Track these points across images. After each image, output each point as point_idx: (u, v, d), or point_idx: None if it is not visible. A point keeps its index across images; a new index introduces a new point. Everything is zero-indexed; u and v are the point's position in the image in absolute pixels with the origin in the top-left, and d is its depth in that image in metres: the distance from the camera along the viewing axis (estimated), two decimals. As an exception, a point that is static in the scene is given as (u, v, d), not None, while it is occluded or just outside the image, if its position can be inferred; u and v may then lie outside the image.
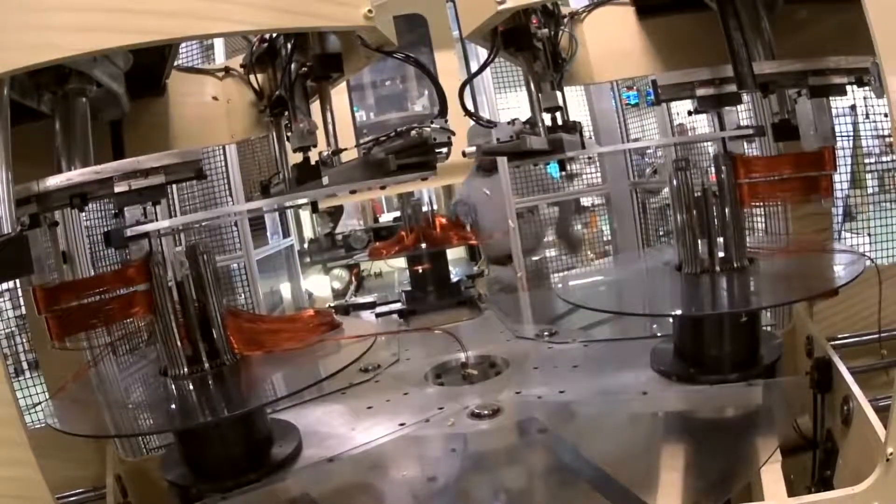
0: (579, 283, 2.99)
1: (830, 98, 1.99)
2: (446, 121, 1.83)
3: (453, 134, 1.84)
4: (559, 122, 2.39)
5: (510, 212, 4.45)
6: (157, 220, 1.83)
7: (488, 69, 4.36)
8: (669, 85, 2.07)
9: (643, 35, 2.65)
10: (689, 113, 2.21)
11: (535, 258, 4.86)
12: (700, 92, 2.05)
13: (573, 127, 2.37)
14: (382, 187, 2.02)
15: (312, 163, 2.12)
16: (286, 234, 5.72)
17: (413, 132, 1.77)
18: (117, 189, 1.78)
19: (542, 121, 2.27)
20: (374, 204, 7.74)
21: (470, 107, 2.35)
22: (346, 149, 2.08)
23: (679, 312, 2.15)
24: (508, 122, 2.23)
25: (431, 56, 5.10)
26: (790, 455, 1.88)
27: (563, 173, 5.12)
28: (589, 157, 5.22)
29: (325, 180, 2.02)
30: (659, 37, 2.63)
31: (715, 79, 2.03)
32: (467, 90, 2.32)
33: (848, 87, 1.92)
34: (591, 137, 5.26)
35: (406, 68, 5.56)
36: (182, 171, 1.85)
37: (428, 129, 1.76)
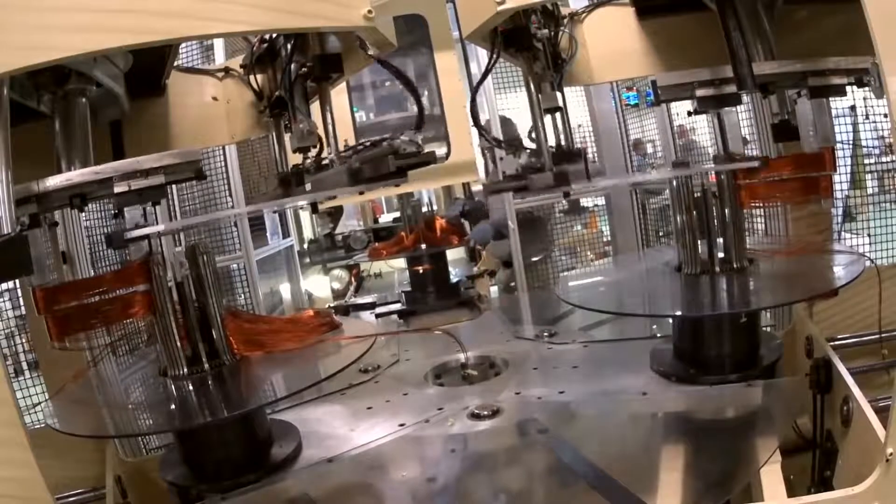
0: (579, 283, 2.99)
1: (830, 99, 1.99)
2: (419, 132, 2.00)
3: (421, 147, 1.97)
4: (563, 145, 2.40)
5: (510, 213, 4.45)
6: (157, 222, 1.82)
7: (488, 70, 4.37)
8: (669, 86, 2.07)
9: (643, 36, 2.65)
10: (689, 113, 2.21)
11: (534, 259, 4.86)
12: (700, 93, 2.05)
13: (578, 154, 2.37)
14: (361, 192, 2.06)
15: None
16: (286, 234, 5.72)
17: (385, 143, 1.92)
18: (117, 189, 1.78)
19: (548, 151, 2.26)
20: (374, 205, 7.75)
21: (475, 113, 2.37)
22: (326, 158, 2.17)
23: (678, 313, 2.15)
24: (514, 154, 2.24)
25: (431, 57, 5.10)
26: (790, 455, 1.88)
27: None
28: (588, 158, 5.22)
29: (308, 187, 2.11)
30: (659, 37, 2.63)
31: (715, 79, 2.02)
32: (466, 98, 2.34)
33: (848, 88, 1.92)
34: (592, 143, 5.27)
35: (406, 69, 5.57)
36: (182, 172, 1.85)
37: (398, 140, 1.92)
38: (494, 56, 2.24)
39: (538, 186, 2.20)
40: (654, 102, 2.33)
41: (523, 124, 3.49)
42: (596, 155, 5.26)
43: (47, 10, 1.36)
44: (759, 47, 2.08)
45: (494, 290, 5.20)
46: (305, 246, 7.05)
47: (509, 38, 2.21)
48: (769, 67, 1.99)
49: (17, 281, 2.65)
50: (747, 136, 3.15)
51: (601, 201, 5.28)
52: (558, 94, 2.33)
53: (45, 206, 1.78)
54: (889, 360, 2.39)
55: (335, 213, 7.32)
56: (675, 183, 2.07)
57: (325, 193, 2.13)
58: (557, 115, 2.43)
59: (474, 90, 2.43)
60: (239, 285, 4.52)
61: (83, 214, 3.32)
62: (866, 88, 1.86)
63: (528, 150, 2.31)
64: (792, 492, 1.52)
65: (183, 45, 3.47)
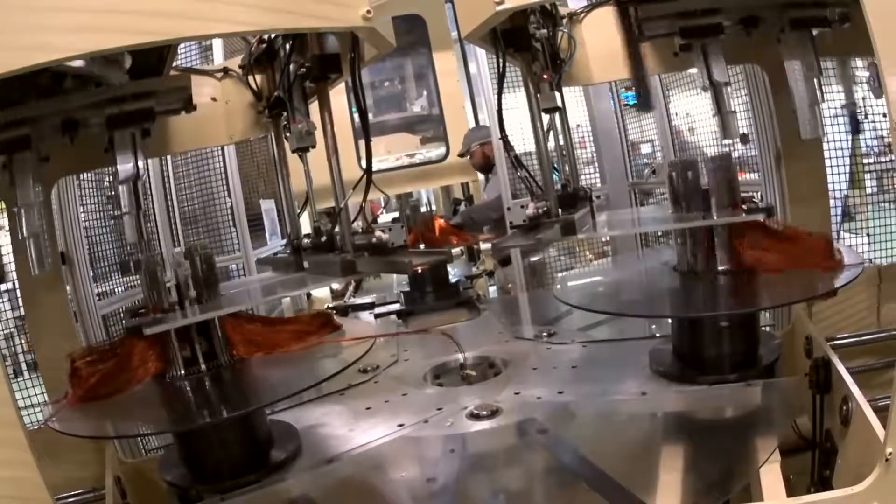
0: (578, 283, 2.99)
1: (828, 98, 2.00)
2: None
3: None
4: (568, 187, 2.42)
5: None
6: (155, 217, 1.83)
7: (487, 69, 4.38)
8: (652, 17, 2.06)
9: (641, 35, 2.64)
10: (677, 52, 2.19)
11: (533, 259, 4.86)
12: (682, 23, 2.04)
13: (585, 195, 2.38)
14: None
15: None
16: (284, 234, 5.72)
17: (374, 239, 2.18)
18: (108, 112, 1.78)
19: (555, 197, 2.26)
20: (373, 205, 7.74)
21: (469, 113, 2.40)
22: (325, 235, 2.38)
23: (677, 314, 2.15)
24: (521, 206, 2.27)
25: (430, 56, 5.12)
26: (789, 455, 1.88)
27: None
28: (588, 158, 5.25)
29: (306, 264, 2.28)
30: (657, 37, 2.62)
31: (697, 10, 2.02)
32: (467, 97, 2.35)
33: (847, 89, 1.93)
34: (590, 143, 5.27)
35: (405, 69, 5.59)
36: (171, 100, 1.85)
37: (385, 235, 2.18)
38: (501, 61, 2.24)
39: (546, 243, 2.23)
40: (638, 38, 2.30)
41: (521, 125, 3.49)
42: (595, 156, 5.28)
43: (47, 10, 1.36)
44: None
45: (492, 290, 5.20)
46: (304, 246, 7.02)
47: (508, 37, 2.21)
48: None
49: (16, 282, 2.65)
50: (748, 134, 3.16)
51: (600, 201, 5.28)
52: (557, 95, 2.33)
53: (38, 132, 1.77)
54: (888, 360, 2.39)
55: (334, 214, 7.30)
56: (673, 182, 2.07)
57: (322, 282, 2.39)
58: (556, 115, 2.44)
59: (500, 118, 2.43)
60: (238, 286, 4.51)
61: (82, 215, 3.33)
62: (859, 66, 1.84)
63: (535, 197, 2.32)
64: (791, 491, 1.52)
65: (182, 45, 3.47)
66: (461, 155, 5.04)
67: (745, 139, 3.21)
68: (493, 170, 4.97)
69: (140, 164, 1.98)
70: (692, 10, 2.03)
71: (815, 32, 2.05)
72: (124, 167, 1.87)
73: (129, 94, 1.86)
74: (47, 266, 2.12)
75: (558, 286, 2.70)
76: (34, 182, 1.96)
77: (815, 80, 2.04)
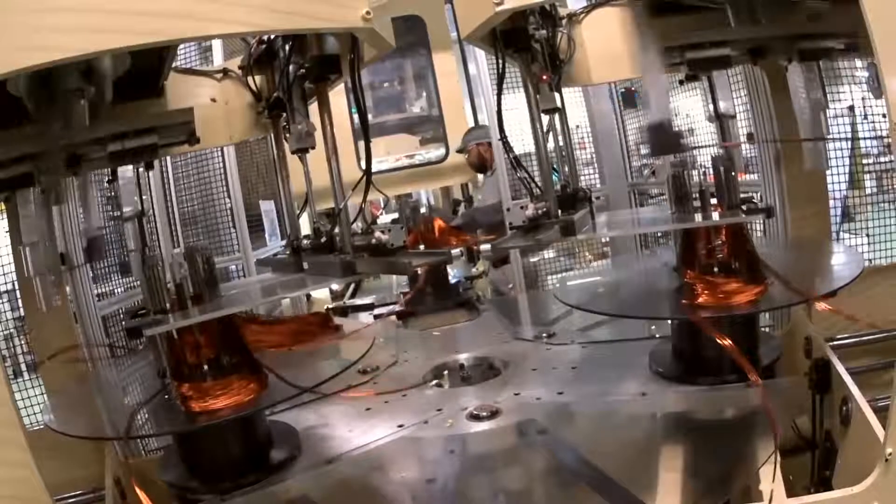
0: (577, 284, 2.99)
1: (829, 99, 2.00)
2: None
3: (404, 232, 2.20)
4: (568, 188, 2.42)
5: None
6: (155, 219, 1.84)
7: (487, 70, 4.38)
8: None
9: (641, 36, 2.64)
10: (681, 82, 2.19)
11: (532, 259, 4.86)
12: (690, 55, 2.05)
13: (585, 196, 2.38)
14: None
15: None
16: (284, 235, 5.71)
17: (374, 240, 2.11)
18: (111, 148, 1.78)
19: (555, 197, 2.26)
20: (372, 205, 7.74)
21: (469, 114, 2.39)
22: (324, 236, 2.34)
23: (677, 315, 2.15)
24: (521, 207, 2.27)
25: (430, 57, 5.11)
26: (789, 455, 1.88)
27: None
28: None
29: (305, 265, 2.27)
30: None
31: (705, 42, 2.02)
32: (465, 99, 2.34)
33: (847, 89, 1.93)
34: (590, 143, 5.27)
35: (404, 69, 5.59)
36: (175, 133, 1.84)
37: (385, 235, 2.10)
38: (501, 62, 2.24)
39: (546, 244, 2.21)
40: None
41: (520, 125, 3.49)
42: (594, 157, 5.28)
43: (47, 11, 1.36)
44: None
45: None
46: (304, 247, 7.02)
47: (507, 38, 2.21)
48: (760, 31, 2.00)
49: (15, 282, 2.65)
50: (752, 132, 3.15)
51: (599, 202, 5.28)
52: (556, 95, 2.33)
53: (40, 167, 1.77)
54: (888, 360, 2.39)
55: (333, 215, 7.29)
56: (672, 182, 2.07)
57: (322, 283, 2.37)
58: (556, 116, 2.44)
59: (499, 119, 2.44)
60: (237, 287, 4.51)
61: (81, 216, 3.32)
62: (864, 84, 1.85)
63: (535, 198, 2.32)
64: (791, 491, 1.52)
65: (181, 46, 3.47)
66: (459, 151, 5.05)
67: (751, 138, 3.21)
68: (487, 170, 4.98)
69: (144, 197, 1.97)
70: (701, 42, 2.03)
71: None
72: (129, 213, 1.88)
73: (132, 130, 1.85)
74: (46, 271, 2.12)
75: (557, 286, 2.71)
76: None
77: (822, 113, 2.04)
